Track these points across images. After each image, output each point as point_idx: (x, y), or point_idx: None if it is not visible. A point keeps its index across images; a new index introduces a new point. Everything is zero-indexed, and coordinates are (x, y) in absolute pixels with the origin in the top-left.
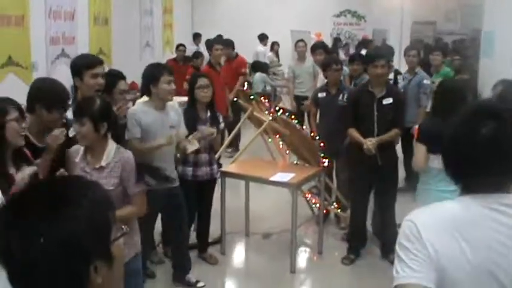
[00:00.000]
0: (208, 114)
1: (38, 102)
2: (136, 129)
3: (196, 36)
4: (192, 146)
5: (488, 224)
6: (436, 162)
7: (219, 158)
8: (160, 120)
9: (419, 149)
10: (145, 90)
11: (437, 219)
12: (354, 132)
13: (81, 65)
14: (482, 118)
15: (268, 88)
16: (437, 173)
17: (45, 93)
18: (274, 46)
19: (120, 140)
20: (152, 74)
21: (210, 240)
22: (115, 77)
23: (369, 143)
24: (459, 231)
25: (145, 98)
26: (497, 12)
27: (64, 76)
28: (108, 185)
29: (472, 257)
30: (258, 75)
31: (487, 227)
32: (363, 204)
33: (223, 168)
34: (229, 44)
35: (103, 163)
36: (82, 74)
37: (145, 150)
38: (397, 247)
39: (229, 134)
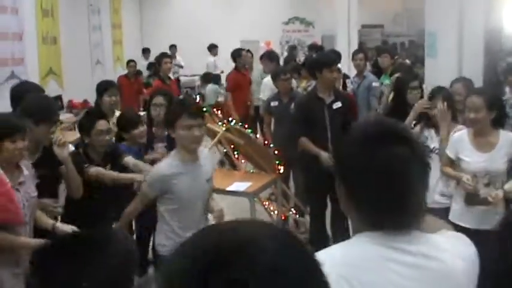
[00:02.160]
0: (166, 132)
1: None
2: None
3: (145, 51)
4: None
5: (390, 266)
6: None
7: None
8: (193, 178)
9: None
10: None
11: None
12: (307, 143)
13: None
14: (395, 142)
15: (221, 99)
16: None
17: (32, 109)
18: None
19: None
20: (167, 118)
21: None
22: (92, 117)
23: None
24: (356, 276)
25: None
26: (437, 14)
27: None
28: (34, 192)
29: None
30: (210, 87)
31: (387, 269)
32: (321, 210)
33: None
34: None
35: (23, 178)
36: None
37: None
38: None
39: None
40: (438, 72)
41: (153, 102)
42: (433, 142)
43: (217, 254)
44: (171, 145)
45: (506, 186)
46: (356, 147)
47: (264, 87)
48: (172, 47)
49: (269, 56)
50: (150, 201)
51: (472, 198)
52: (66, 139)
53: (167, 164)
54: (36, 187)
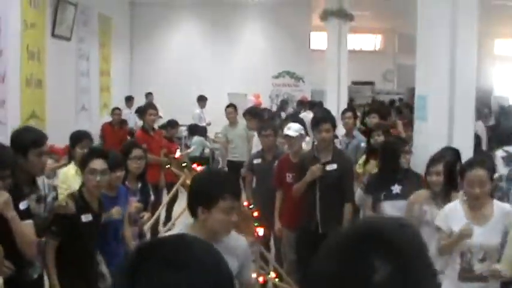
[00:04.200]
0: (139, 185)
1: None
2: None
3: (129, 100)
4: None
5: None
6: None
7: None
8: None
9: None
10: (191, 210)
11: None
12: (296, 185)
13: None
14: (376, 253)
15: (207, 151)
16: None
17: None
18: None
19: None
20: (209, 193)
21: None
22: (90, 154)
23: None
24: None
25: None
26: (429, 78)
27: None
28: None
29: None
30: (197, 139)
31: None
32: None
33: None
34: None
35: None
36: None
37: None
38: None
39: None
40: (428, 136)
41: (132, 155)
42: (432, 216)
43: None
44: (145, 198)
45: (499, 266)
46: (330, 257)
47: (256, 147)
48: (149, 95)
49: (251, 112)
50: None
51: (466, 275)
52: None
53: None
54: None
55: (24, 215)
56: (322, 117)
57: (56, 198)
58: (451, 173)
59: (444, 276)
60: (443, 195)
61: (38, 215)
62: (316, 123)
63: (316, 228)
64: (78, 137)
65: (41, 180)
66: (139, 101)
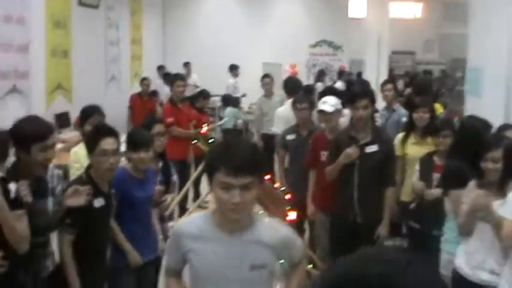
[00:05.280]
0: (161, 164)
1: None
2: (173, 258)
3: (160, 68)
4: None
5: None
6: None
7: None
8: (220, 252)
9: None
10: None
11: None
12: (329, 168)
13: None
14: None
15: (240, 122)
16: None
17: None
18: None
19: None
20: (208, 163)
21: None
22: (99, 133)
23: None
24: None
25: None
26: (485, 50)
27: (14, 114)
28: None
29: None
30: (229, 110)
31: None
32: None
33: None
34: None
35: None
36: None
37: None
38: None
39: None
40: (482, 114)
41: (154, 131)
42: None
43: None
44: (166, 179)
45: None
46: None
47: (277, 119)
48: (188, 64)
49: (285, 85)
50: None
51: None
52: None
53: (192, 219)
54: None
55: (15, 204)
56: (359, 93)
57: (64, 190)
58: (511, 158)
59: (502, 277)
60: (499, 185)
61: (45, 212)
62: (352, 99)
63: (354, 218)
64: (87, 113)
65: (50, 172)
66: (173, 71)
